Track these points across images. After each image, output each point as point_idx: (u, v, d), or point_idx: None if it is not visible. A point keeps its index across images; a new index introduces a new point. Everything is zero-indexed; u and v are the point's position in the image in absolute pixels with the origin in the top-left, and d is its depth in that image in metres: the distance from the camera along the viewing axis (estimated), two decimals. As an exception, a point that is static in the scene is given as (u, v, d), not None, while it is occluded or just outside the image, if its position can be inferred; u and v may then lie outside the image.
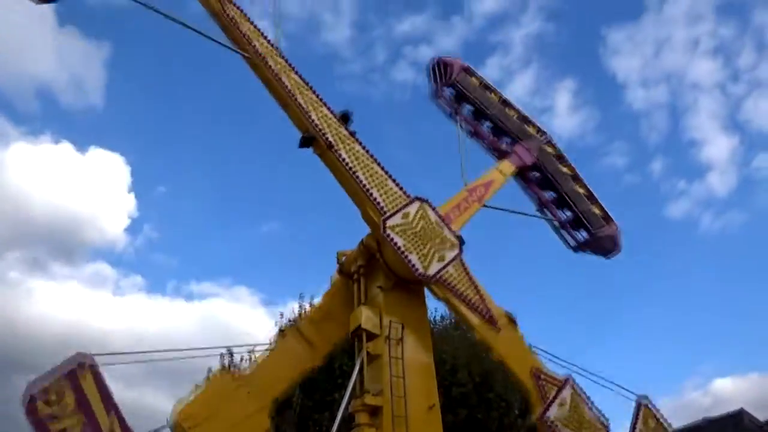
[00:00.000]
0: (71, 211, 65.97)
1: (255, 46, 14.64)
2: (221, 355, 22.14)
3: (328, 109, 14.61)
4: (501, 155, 19.28)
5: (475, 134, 19.70)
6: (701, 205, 70.80)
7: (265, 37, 15.10)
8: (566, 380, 14.18)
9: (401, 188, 14.20)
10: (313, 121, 14.08)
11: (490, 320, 14.13)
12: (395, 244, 13.07)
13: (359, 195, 13.75)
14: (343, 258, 14.68)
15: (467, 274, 14.28)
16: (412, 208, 13.83)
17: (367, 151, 14.36)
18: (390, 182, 14.14)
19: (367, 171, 14.01)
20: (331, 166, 14.11)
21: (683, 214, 70.65)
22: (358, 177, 13.75)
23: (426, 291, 14.05)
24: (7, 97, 63.01)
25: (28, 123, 70.73)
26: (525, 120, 19.99)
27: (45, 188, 62.87)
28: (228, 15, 14.81)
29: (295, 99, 14.23)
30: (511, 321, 14.61)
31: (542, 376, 14.19)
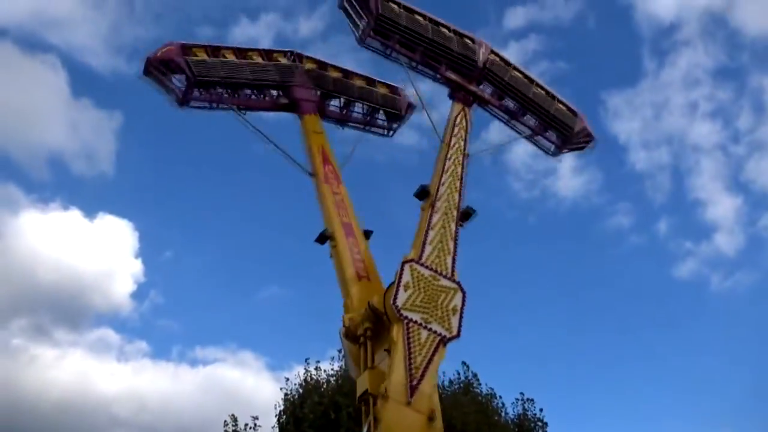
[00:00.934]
0: (78, 277, 65.94)
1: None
2: (225, 422, 21.67)
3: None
4: (454, 86, 18.62)
5: (419, 66, 18.64)
6: (709, 265, 70.23)
7: None
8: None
9: None
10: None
11: None
12: (415, 322, 12.98)
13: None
14: (349, 321, 14.50)
15: None
16: (407, 275, 13.60)
17: None
18: None
19: None
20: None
21: (691, 274, 69.97)
22: None
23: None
24: (20, 166, 64.13)
25: (39, 191, 71.80)
26: (460, 34, 18.93)
27: (52, 255, 63.11)
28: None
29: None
30: None
31: None
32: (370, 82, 20.87)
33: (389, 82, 21.26)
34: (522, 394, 24.28)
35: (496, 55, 19.35)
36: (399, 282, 13.27)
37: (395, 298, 13.03)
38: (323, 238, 15.93)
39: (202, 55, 18.46)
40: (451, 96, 18.84)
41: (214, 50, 18.88)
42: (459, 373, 23.99)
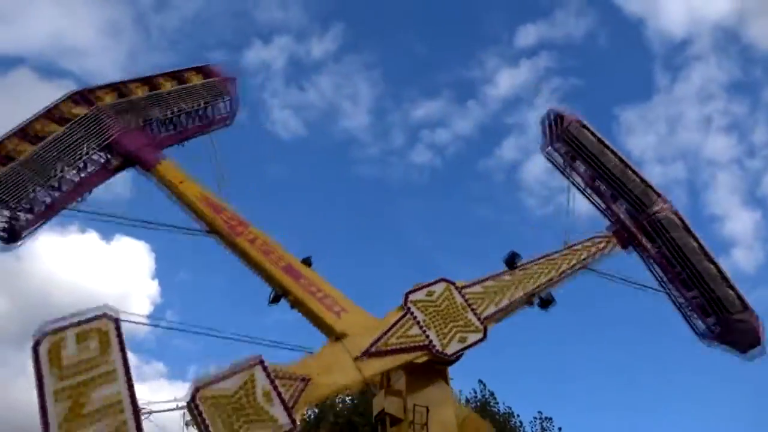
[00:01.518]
0: (95, 299, 66.35)
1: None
2: None
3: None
4: (616, 220, 17.69)
5: (589, 192, 18.22)
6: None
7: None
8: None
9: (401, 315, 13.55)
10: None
11: None
12: (415, 317, 13.06)
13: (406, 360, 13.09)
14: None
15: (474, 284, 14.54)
16: (438, 288, 13.92)
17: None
18: (396, 318, 13.47)
19: (392, 337, 13.16)
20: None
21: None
22: None
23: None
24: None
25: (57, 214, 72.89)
26: (647, 184, 17.97)
27: (70, 277, 63.73)
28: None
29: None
30: None
31: None
32: (180, 77, 17.52)
33: (197, 65, 18.17)
34: (540, 412, 24.06)
35: (676, 214, 17.76)
36: (421, 327, 13.21)
37: (433, 346, 12.98)
38: (276, 298, 13.98)
39: None
40: (611, 229, 17.82)
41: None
42: (476, 392, 23.84)
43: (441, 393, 13.39)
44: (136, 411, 9.69)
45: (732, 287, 16.92)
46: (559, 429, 23.75)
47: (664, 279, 17.48)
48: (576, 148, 17.91)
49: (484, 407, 23.25)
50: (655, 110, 67.47)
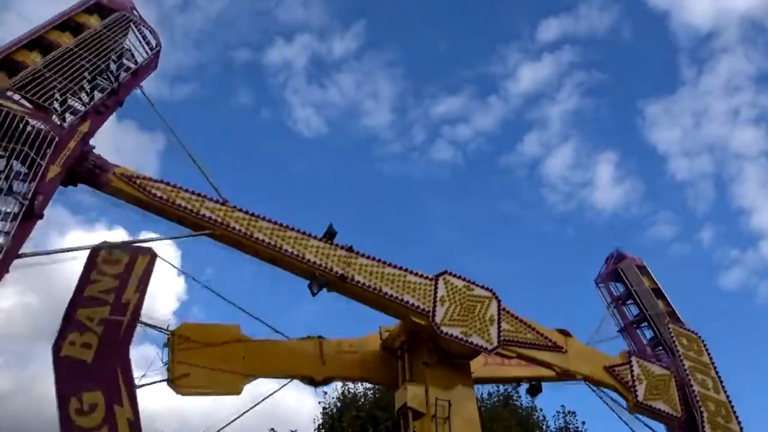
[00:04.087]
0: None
1: (206, 215, 11.86)
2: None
3: (317, 238, 12.57)
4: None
5: (627, 336, 18.20)
6: (757, 274, 67.90)
7: (211, 199, 12.12)
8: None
9: (420, 274, 13.32)
10: (313, 262, 12.18)
11: (555, 348, 14.25)
12: (455, 337, 12.85)
13: (394, 308, 12.94)
14: (386, 333, 14.54)
15: (514, 317, 14.04)
16: (480, 291, 13.65)
17: (375, 259, 12.95)
18: (410, 276, 13.12)
19: (389, 280, 12.77)
20: (352, 295, 12.82)
21: (737, 284, 67.70)
22: (385, 293, 12.61)
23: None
24: (67, 189, 66.56)
25: (86, 212, 73.84)
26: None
27: (97, 274, 64.97)
28: (156, 196, 11.65)
29: (282, 250, 12.07)
30: (567, 335, 14.82)
31: (615, 369, 14.74)
32: (76, 28, 11.92)
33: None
34: (563, 406, 23.84)
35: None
36: (435, 297, 13.12)
37: (433, 315, 12.84)
38: (317, 286, 12.25)
39: None
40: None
41: None
42: (498, 385, 23.72)
43: (463, 388, 13.34)
44: (136, 315, 10.65)
45: None
46: (583, 423, 23.62)
47: None
48: (628, 288, 18.49)
49: (506, 401, 23.20)
50: (680, 103, 66.39)
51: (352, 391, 23.03)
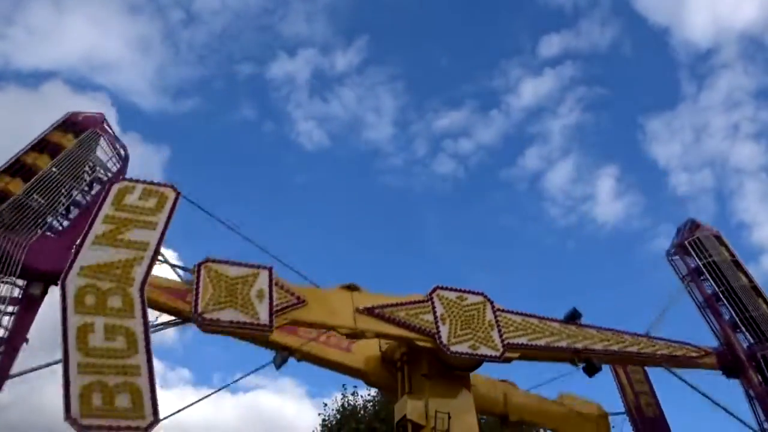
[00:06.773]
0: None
1: None
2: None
3: None
4: (727, 343, 15.83)
5: (707, 311, 16.57)
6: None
7: None
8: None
9: (422, 299, 13.32)
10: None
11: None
12: (465, 353, 12.82)
13: (400, 337, 13.07)
14: (386, 345, 14.50)
15: (515, 313, 14.03)
16: (473, 298, 13.65)
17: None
18: (415, 299, 13.16)
19: (402, 311, 12.88)
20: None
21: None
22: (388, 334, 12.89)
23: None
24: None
25: (88, 219, 74.19)
26: None
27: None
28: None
29: None
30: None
31: None
32: (52, 148, 12.61)
33: (58, 121, 13.20)
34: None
35: None
36: (436, 317, 13.02)
37: (440, 337, 12.77)
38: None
39: None
40: (718, 349, 16.03)
41: None
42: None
43: (463, 400, 13.26)
44: (157, 252, 11.34)
45: None
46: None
47: (765, 420, 15.09)
48: (704, 261, 16.76)
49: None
50: (680, 118, 66.57)
51: (351, 403, 22.97)
